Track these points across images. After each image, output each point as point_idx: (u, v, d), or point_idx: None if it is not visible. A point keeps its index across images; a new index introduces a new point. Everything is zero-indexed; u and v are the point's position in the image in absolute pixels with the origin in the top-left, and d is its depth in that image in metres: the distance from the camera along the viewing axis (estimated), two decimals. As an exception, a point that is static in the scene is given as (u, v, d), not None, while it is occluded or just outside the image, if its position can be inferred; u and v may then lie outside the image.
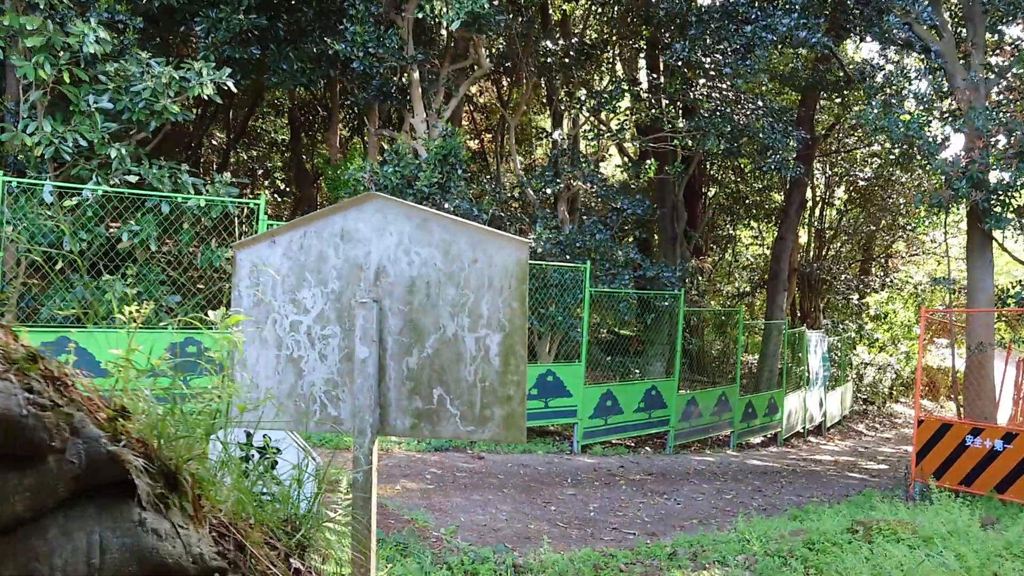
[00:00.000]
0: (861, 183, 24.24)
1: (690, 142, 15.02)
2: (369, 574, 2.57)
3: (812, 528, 6.59)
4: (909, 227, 24.48)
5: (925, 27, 12.80)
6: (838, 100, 20.85)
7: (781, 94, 20.77)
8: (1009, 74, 13.35)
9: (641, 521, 8.09)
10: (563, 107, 16.50)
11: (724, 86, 15.89)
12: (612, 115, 15.84)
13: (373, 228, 2.87)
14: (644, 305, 14.39)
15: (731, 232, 25.79)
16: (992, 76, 12.83)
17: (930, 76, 13.91)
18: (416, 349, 2.83)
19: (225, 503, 1.79)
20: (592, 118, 16.69)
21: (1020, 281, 12.84)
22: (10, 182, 7.65)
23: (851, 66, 17.88)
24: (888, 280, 25.95)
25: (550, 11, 17.56)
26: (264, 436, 4.32)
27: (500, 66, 15.94)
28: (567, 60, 15.47)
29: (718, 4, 14.21)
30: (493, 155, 21.48)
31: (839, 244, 26.22)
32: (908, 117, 12.63)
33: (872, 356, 25.00)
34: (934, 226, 22.38)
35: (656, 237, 20.57)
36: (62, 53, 8.33)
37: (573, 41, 16.45)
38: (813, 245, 25.98)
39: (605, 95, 14.82)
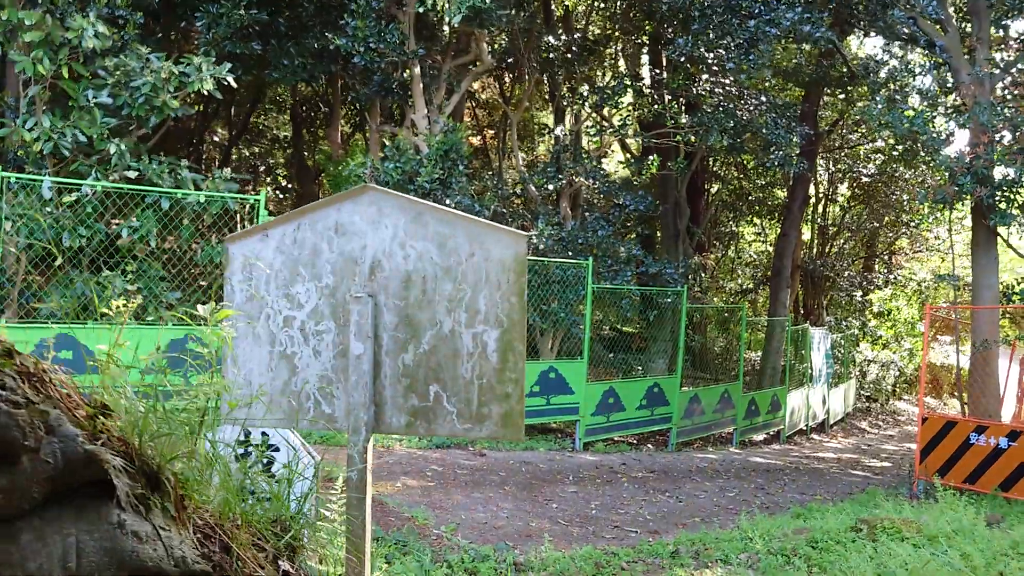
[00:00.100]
0: (865, 179, 24.13)
1: (693, 138, 14.93)
2: (363, 575, 2.52)
3: (816, 526, 6.55)
4: (913, 224, 24.35)
5: (930, 22, 12.71)
6: (842, 96, 20.74)
7: (784, 90, 20.67)
8: (1014, 69, 13.23)
9: (643, 519, 8.04)
10: (565, 103, 16.43)
11: (727, 81, 15.79)
12: (614, 111, 15.77)
13: (368, 221, 2.81)
14: (646, 302, 14.33)
15: (734, 228, 25.71)
16: (997, 71, 12.72)
17: (934, 71, 13.81)
18: (412, 345, 2.77)
19: (211, 503, 1.74)
20: (594, 114, 16.62)
21: (1025, 278, 12.77)
22: (9, 178, 7.61)
23: (855, 61, 17.78)
24: (892, 277, 25.84)
25: (552, 6, 17.48)
26: (263, 434, 4.27)
27: (502, 62, 15.87)
28: (569, 55, 15.40)
29: (721, -1, 14.11)
30: (495, 151, 21.43)
31: (842, 241, 26.13)
32: (912, 113, 12.54)
33: (875, 353, 24.90)
34: (938, 223, 22.29)
35: (659, 234, 20.53)
36: (61, 48, 8.29)
37: (575, 36, 16.37)
38: (816, 242, 25.90)
39: (608, 91, 14.76)
